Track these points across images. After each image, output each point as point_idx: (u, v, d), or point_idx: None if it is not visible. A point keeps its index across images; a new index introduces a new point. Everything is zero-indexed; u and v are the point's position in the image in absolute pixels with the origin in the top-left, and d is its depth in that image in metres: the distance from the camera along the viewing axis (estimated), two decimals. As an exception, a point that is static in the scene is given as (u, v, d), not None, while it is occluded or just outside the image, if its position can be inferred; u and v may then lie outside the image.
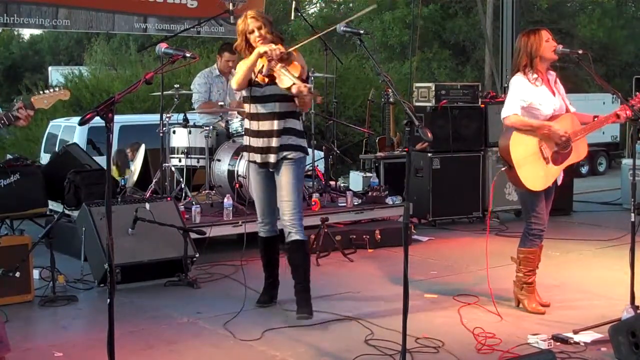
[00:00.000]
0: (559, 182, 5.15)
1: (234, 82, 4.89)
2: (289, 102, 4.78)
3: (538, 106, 4.94)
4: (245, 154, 5.01)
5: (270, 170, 4.88)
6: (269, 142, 4.81)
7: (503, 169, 5.04)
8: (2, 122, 4.13)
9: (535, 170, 4.93)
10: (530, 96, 4.93)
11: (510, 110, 4.94)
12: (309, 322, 4.75)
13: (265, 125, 4.82)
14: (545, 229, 5.11)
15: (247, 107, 4.93)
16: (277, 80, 4.68)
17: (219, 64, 8.03)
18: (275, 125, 4.81)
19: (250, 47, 4.81)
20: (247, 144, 4.96)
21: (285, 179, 4.81)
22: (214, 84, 7.98)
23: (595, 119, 5.10)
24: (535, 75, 4.96)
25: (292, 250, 4.88)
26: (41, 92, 4.40)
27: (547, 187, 5.01)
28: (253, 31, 4.78)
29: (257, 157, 4.87)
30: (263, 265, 5.24)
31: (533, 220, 5.06)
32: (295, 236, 4.81)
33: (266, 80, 4.76)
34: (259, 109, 4.84)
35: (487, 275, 5.10)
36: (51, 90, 4.41)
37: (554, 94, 5.02)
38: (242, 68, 4.80)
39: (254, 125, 4.87)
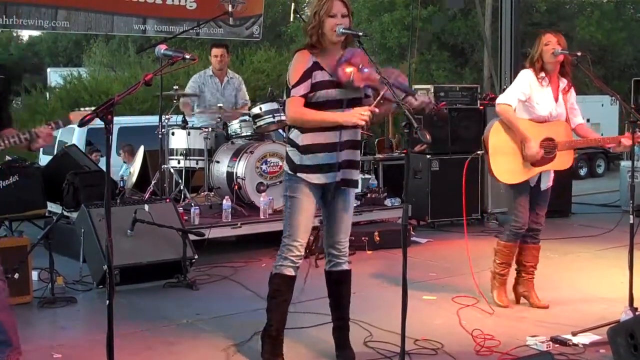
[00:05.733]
0: (544, 187, 5.16)
1: (291, 118, 3.95)
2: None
3: (535, 105, 5.00)
4: (307, 172, 3.94)
5: (330, 188, 4.01)
6: (354, 154, 4.02)
7: (479, 152, 5.17)
8: (25, 137, 3.89)
9: (507, 163, 5.01)
10: (531, 91, 4.99)
11: (506, 99, 5.03)
12: (308, 324, 4.74)
13: (345, 135, 3.94)
14: (523, 228, 5.14)
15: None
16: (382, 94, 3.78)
17: (217, 61, 8.00)
18: (355, 135, 4.01)
19: (322, 35, 3.89)
20: (314, 163, 3.93)
21: (350, 202, 4.12)
22: (207, 85, 7.92)
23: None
24: (543, 75, 5.00)
25: (341, 282, 4.19)
26: (81, 109, 4.29)
27: (520, 182, 5.04)
28: (335, 16, 3.84)
29: (331, 177, 3.93)
30: (282, 315, 4.11)
31: (512, 217, 5.16)
32: (346, 266, 4.17)
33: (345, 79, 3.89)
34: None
35: (471, 270, 5.10)
36: (92, 108, 4.26)
37: (556, 99, 5.04)
38: (310, 119, 3.88)
39: (331, 137, 3.91)
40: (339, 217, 4.12)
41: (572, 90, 5.15)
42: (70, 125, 11.94)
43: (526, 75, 5.03)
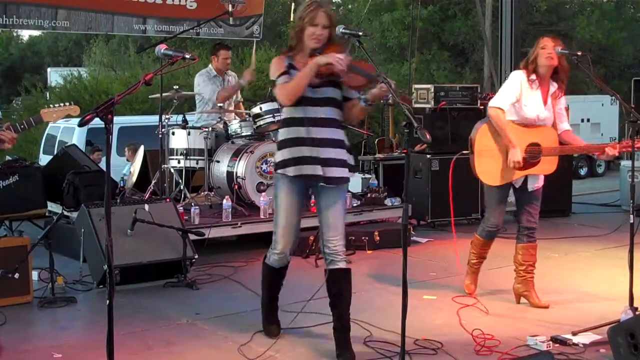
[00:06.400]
0: (531, 188, 5.19)
1: (285, 97, 4.09)
2: (340, 110, 4.18)
3: (523, 107, 5.07)
4: (282, 167, 4.18)
5: (315, 186, 4.21)
6: (336, 153, 4.15)
7: (466, 152, 5.24)
8: None
9: (491, 164, 5.08)
10: (521, 92, 5.04)
11: (498, 103, 5.07)
12: (308, 324, 4.74)
13: (322, 133, 4.11)
14: (497, 229, 5.29)
15: (292, 111, 4.14)
16: (345, 79, 4.03)
17: (216, 64, 8.03)
18: (333, 134, 4.14)
19: (301, 40, 4.10)
20: (292, 155, 4.13)
21: (337, 199, 4.19)
22: (212, 85, 7.97)
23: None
24: (533, 77, 5.01)
25: (338, 279, 4.22)
26: (51, 105, 4.43)
27: (500, 185, 5.13)
28: (317, 25, 4.04)
29: (308, 169, 4.09)
30: (270, 294, 4.57)
31: (488, 216, 5.31)
32: (342, 264, 4.20)
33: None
34: (314, 113, 4.09)
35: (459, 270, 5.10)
36: (62, 104, 4.47)
37: (545, 103, 5.09)
38: (298, 81, 4.03)
39: (305, 132, 4.09)
40: (325, 215, 4.22)
41: (562, 96, 5.17)
42: (70, 125, 11.92)
43: (517, 77, 5.09)
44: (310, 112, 4.09)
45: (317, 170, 4.09)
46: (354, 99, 4.13)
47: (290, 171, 4.14)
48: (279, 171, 4.19)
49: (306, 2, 4.13)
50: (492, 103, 5.11)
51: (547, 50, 4.99)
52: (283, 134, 4.21)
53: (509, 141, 5.00)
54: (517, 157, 4.98)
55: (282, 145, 4.19)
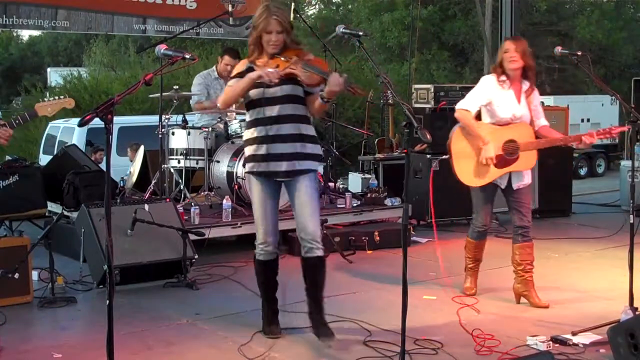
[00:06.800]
0: (516, 186, 5.21)
1: (221, 102, 4.45)
2: (303, 105, 4.36)
3: (496, 107, 5.12)
4: (247, 165, 4.46)
5: (281, 180, 4.41)
6: (298, 147, 4.33)
7: (444, 157, 5.30)
8: None
9: (470, 166, 5.13)
10: (491, 95, 5.11)
11: (464, 105, 5.15)
12: (308, 324, 4.73)
13: (283, 129, 4.30)
14: (484, 228, 5.37)
15: (254, 112, 4.39)
16: (301, 78, 4.21)
17: (219, 65, 8.03)
18: (295, 129, 4.32)
19: (261, 47, 4.31)
20: (255, 152, 4.37)
21: (307, 190, 4.36)
22: (212, 86, 7.96)
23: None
24: (503, 78, 5.10)
25: (314, 267, 4.41)
26: (45, 99, 4.44)
27: (483, 185, 5.19)
28: (271, 32, 4.23)
29: (269, 166, 4.32)
30: (265, 292, 4.64)
31: (474, 217, 5.39)
32: (318, 252, 4.37)
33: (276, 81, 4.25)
34: (273, 111, 4.29)
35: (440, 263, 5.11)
36: (55, 98, 4.48)
37: (519, 101, 5.14)
38: (234, 89, 4.33)
39: (271, 130, 4.30)
40: (298, 203, 4.37)
41: (536, 92, 5.24)
42: (70, 125, 11.87)
43: (486, 81, 5.19)
44: (269, 111, 4.30)
45: (278, 166, 4.31)
46: (315, 93, 4.30)
47: (254, 168, 4.38)
48: (247, 169, 4.47)
49: (259, 10, 4.31)
50: (458, 106, 5.19)
51: (510, 54, 5.09)
52: (247, 134, 4.44)
53: (479, 138, 5.06)
54: (489, 153, 5.03)
55: (247, 144, 4.44)
